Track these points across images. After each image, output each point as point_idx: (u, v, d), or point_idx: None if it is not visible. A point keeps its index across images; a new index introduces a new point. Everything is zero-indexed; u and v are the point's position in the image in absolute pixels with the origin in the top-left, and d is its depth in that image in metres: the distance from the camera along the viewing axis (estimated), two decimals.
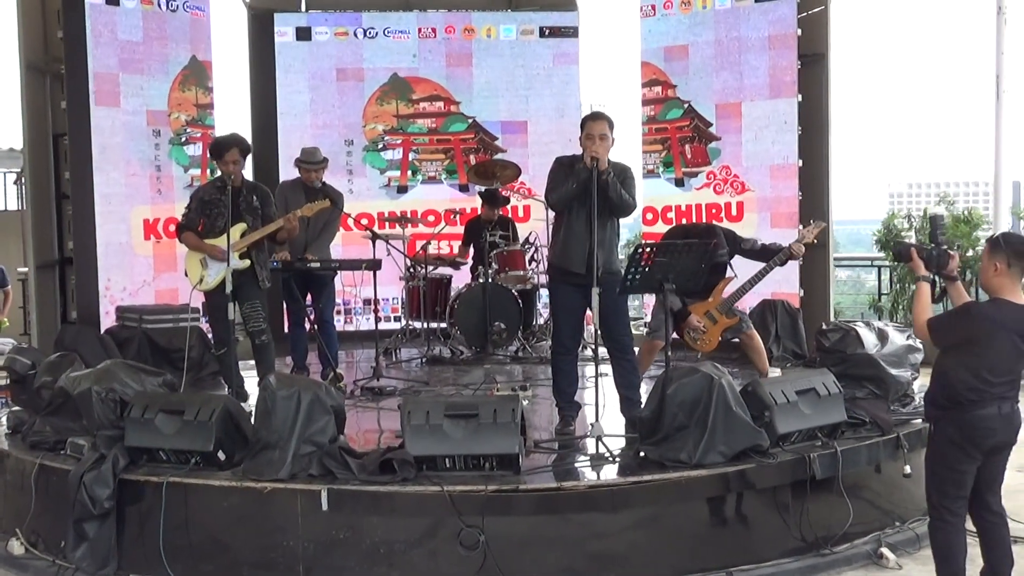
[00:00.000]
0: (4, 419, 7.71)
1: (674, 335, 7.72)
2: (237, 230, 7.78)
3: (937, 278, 5.41)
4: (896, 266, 13.02)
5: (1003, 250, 5.04)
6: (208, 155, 7.86)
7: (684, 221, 10.76)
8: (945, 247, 5.44)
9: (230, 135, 8.06)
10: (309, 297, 9.01)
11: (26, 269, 11.30)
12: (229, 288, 7.40)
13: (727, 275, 8.03)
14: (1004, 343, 4.98)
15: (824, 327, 8.05)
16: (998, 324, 4.97)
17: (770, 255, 7.95)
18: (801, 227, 8.84)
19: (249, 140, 8.09)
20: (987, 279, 5.11)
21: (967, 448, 5.05)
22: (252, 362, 8.28)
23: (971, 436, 5.04)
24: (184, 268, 8.12)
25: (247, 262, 7.84)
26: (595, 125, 6.70)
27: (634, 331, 7.78)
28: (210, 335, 8.59)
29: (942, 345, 5.26)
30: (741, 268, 8.11)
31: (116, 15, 10.01)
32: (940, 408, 5.19)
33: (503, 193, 10.77)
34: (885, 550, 6.22)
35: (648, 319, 10.93)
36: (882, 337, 7.65)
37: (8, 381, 8.24)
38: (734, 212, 10.63)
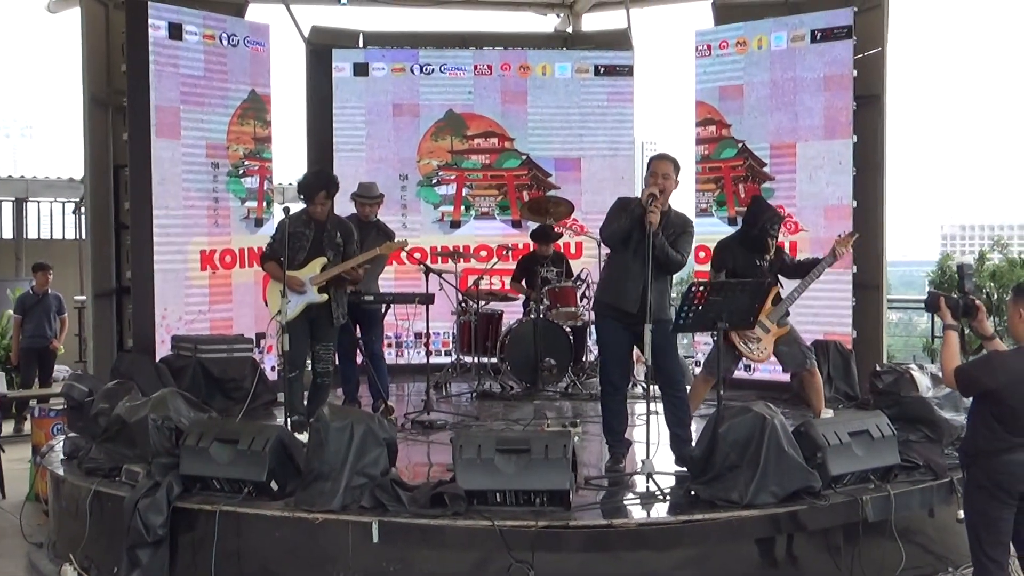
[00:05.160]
0: (60, 445, 7.83)
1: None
2: (317, 264, 7.89)
3: (965, 327, 5.40)
4: None
5: None
6: (297, 193, 7.98)
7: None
8: (972, 296, 5.41)
9: (319, 175, 8.23)
10: (359, 329, 9.08)
11: (83, 297, 11.49)
12: (286, 318, 7.49)
13: (774, 286, 7.93)
14: None
15: (878, 369, 8.00)
16: (1020, 374, 4.94)
17: (810, 266, 7.90)
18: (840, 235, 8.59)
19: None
20: (1013, 327, 5.13)
21: (998, 494, 5.04)
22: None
23: (1000, 482, 5.03)
24: (265, 297, 8.24)
25: (324, 296, 7.92)
26: (659, 164, 6.85)
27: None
28: (263, 365, 8.66)
29: (968, 394, 5.28)
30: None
31: (179, 50, 10.13)
32: (970, 455, 5.20)
33: (556, 229, 10.79)
34: None
35: (697, 356, 10.89)
36: (936, 380, 7.60)
37: (65, 407, 8.38)
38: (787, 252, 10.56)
